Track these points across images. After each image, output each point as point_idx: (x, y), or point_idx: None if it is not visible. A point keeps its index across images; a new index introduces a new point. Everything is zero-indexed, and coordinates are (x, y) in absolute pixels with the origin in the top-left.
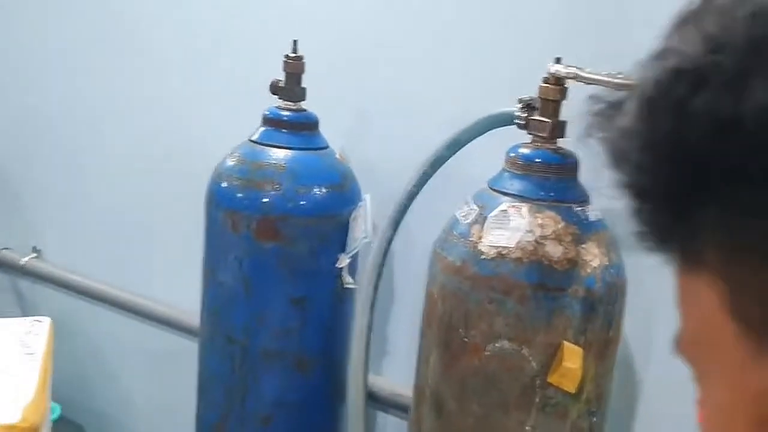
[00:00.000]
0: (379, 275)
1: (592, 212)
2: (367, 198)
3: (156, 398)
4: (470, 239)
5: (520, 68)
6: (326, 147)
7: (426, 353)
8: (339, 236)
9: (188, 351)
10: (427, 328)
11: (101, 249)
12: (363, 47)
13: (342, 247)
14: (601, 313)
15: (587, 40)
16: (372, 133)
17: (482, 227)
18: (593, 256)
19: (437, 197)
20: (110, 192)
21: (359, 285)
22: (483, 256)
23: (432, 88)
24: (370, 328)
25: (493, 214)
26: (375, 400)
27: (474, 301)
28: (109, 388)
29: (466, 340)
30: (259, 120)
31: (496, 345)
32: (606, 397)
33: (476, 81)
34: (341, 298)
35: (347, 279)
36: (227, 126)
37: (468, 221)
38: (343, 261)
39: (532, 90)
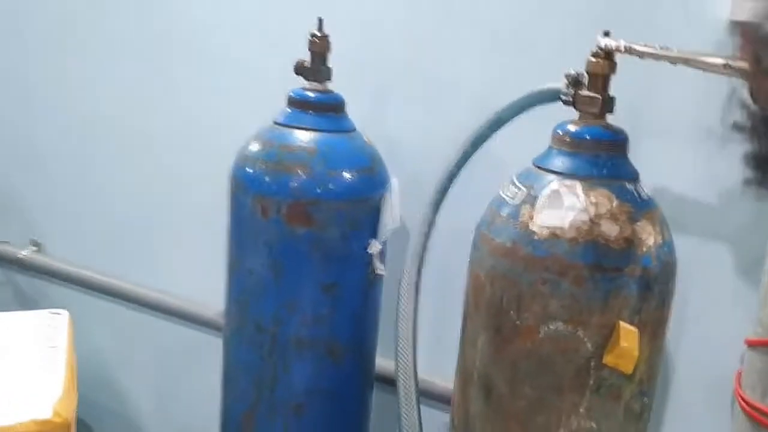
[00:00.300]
0: (422, 258)
1: (643, 190)
2: (394, 182)
3: (166, 392)
4: (521, 220)
5: (542, 45)
6: (354, 129)
7: (472, 336)
8: (370, 221)
9: (198, 342)
10: (474, 311)
11: (103, 241)
12: (381, 26)
13: (372, 232)
14: (656, 292)
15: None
16: (392, 115)
17: (533, 207)
18: (648, 235)
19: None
20: (111, 183)
21: (403, 269)
22: (535, 237)
23: (453, 67)
24: (416, 312)
25: (544, 193)
26: (395, 386)
27: (526, 283)
28: (115, 383)
29: (518, 322)
30: (256, 108)
31: (551, 327)
32: (656, 377)
33: (498, 59)
34: (371, 285)
35: (378, 265)
36: (227, 114)
37: (517, 202)
38: (375, 247)
39: (556, 66)
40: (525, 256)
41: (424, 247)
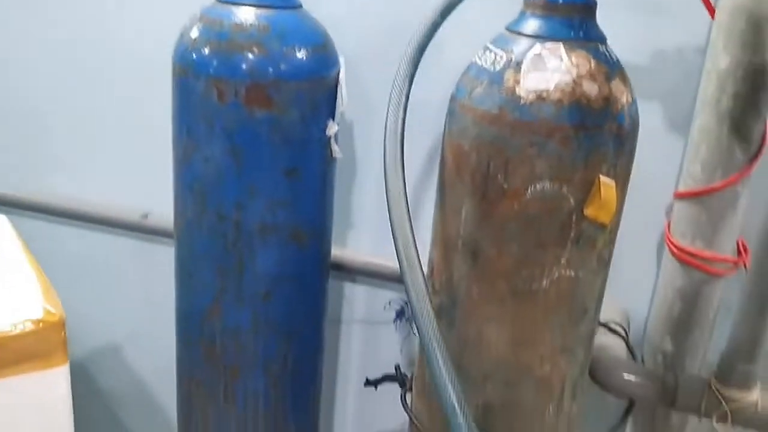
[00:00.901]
0: (403, 133)
1: (613, 52)
2: (341, 61)
3: (91, 303)
4: (505, 86)
5: None
6: (301, 5)
7: (455, 205)
8: (327, 101)
9: (121, 247)
10: (457, 180)
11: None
12: None
13: (329, 113)
14: (627, 148)
15: None
16: None
17: (517, 72)
18: (621, 93)
19: (390, 61)
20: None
21: (384, 147)
22: (522, 102)
23: None
24: (405, 190)
25: (528, 57)
26: (343, 271)
27: (514, 147)
28: None
29: (505, 186)
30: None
31: (537, 187)
32: (618, 227)
33: None
34: (330, 168)
35: (335, 148)
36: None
37: (498, 68)
38: (332, 128)
39: None
40: (512, 121)
41: (404, 121)
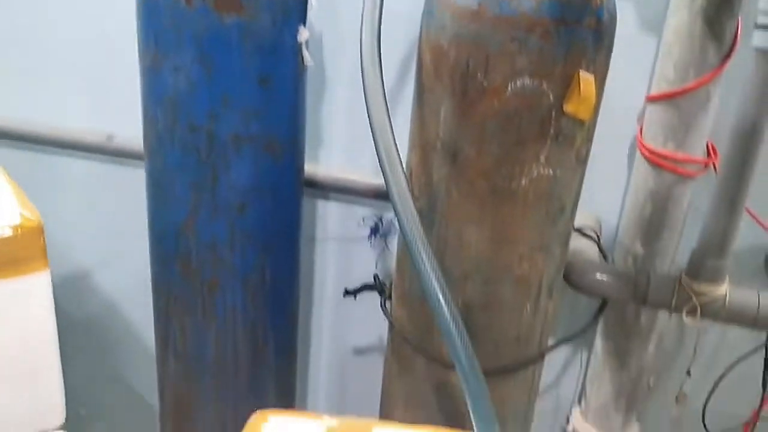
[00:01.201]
0: (379, 35)
1: None
2: None
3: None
4: None
5: None
6: None
7: (433, 107)
8: (297, 6)
9: (86, 170)
10: (435, 81)
11: None
12: None
13: (300, 19)
14: (605, 43)
15: None
16: None
17: None
18: None
19: None
20: None
21: (360, 50)
22: None
23: None
24: (384, 90)
25: None
26: (316, 188)
27: (495, 43)
28: None
29: (485, 84)
30: None
31: (517, 83)
32: (596, 124)
33: None
34: (302, 77)
35: (306, 55)
36: None
37: None
38: (304, 34)
39: None
40: (492, 17)
41: (380, 22)
